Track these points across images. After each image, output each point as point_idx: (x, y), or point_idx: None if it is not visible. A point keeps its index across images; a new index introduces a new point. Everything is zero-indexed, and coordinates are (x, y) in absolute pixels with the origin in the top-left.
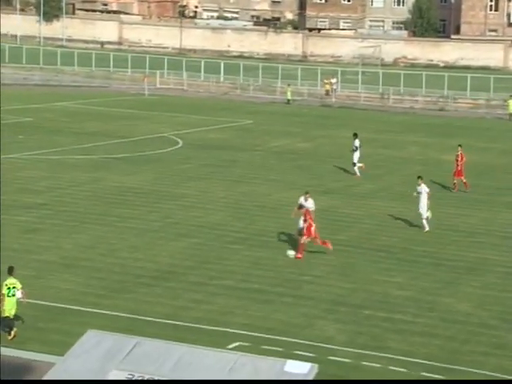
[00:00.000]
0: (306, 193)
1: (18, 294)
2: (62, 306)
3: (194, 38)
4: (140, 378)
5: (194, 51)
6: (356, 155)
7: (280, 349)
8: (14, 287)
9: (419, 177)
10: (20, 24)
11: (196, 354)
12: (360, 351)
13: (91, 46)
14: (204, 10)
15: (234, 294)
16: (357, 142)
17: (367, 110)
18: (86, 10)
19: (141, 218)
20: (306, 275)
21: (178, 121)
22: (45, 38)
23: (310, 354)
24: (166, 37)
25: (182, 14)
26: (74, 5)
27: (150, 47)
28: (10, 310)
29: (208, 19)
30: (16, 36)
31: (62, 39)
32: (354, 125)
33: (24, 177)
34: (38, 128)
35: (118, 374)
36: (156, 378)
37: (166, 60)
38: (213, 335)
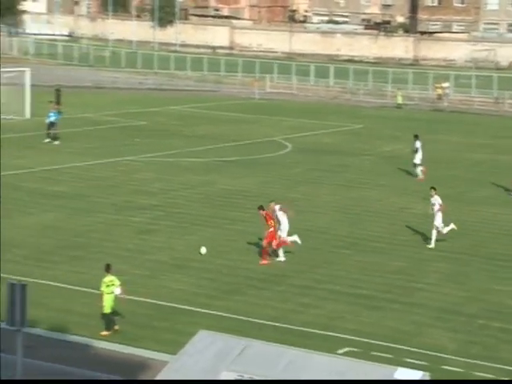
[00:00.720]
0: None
1: (117, 291)
2: (174, 305)
3: (304, 42)
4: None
5: (304, 55)
6: (418, 156)
7: (390, 356)
8: (112, 284)
9: (432, 187)
10: (135, 30)
11: (306, 357)
12: (472, 361)
13: (203, 50)
14: (314, 14)
15: (343, 299)
16: (418, 144)
17: (481, 114)
18: (199, 16)
19: (250, 220)
20: (416, 282)
21: (288, 125)
22: (159, 44)
23: (421, 362)
24: (275, 41)
25: (292, 19)
26: (187, 10)
27: (260, 51)
28: (109, 306)
29: (318, 23)
30: (132, 41)
31: (175, 44)
32: (466, 130)
33: (139, 179)
34: (152, 131)
35: (228, 375)
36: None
37: (275, 64)
38: (322, 340)
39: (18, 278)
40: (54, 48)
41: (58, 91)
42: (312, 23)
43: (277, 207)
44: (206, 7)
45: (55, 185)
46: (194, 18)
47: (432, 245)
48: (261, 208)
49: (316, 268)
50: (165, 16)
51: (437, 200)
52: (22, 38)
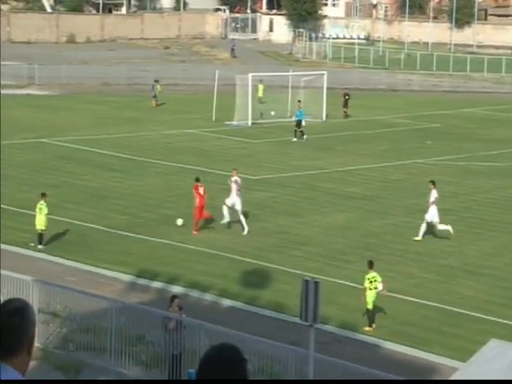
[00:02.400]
0: (234, 169)
1: (379, 287)
2: (464, 312)
3: None
4: None
5: None
6: None
7: None
8: (375, 280)
9: (431, 181)
10: (432, 31)
11: None
12: None
13: (502, 51)
14: None
15: None
16: None
17: None
18: (499, 16)
19: None
20: None
21: None
22: (455, 45)
23: None
24: None
25: None
26: (486, 10)
27: None
28: (371, 302)
29: None
30: (427, 43)
31: (472, 45)
32: None
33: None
34: (444, 134)
35: None
36: None
37: None
38: None
39: (311, 275)
40: (350, 51)
41: (346, 95)
42: None
43: (233, 178)
44: (508, 6)
45: (348, 186)
46: (494, 18)
47: (419, 237)
48: (197, 180)
49: None
50: (462, 17)
51: (433, 194)
52: (320, 43)
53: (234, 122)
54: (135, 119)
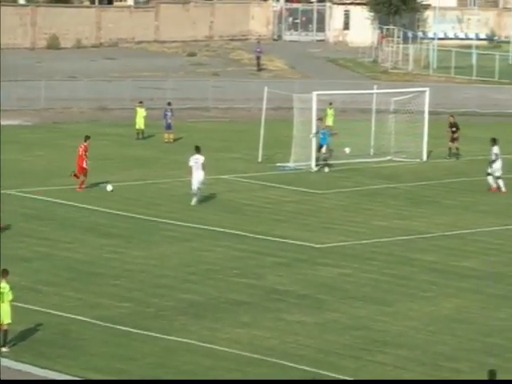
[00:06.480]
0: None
1: None
2: None
3: None
4: None
5: None
6: (496, 166)
7: None
8: None
9: (196, 147)
10: None
11: None
12: None
13: None
14: None
15: None
16: (496, 149)
17: None
18: None
19: None
20: None
21: None
22: None
23: None
24: None
25: None
26: None
27: None
28: None
29: None
30: None
31: None
32: None
33: None
34: None
35: None
36: None
37: None
38: None
39: None
40: (465, 58)
41: (452, 126)
42: None
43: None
44: None
45: (460, 258)
46: None
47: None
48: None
49: None
50: None
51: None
52: (420, 45)
53: (290, 164)
54: (144, 160)
